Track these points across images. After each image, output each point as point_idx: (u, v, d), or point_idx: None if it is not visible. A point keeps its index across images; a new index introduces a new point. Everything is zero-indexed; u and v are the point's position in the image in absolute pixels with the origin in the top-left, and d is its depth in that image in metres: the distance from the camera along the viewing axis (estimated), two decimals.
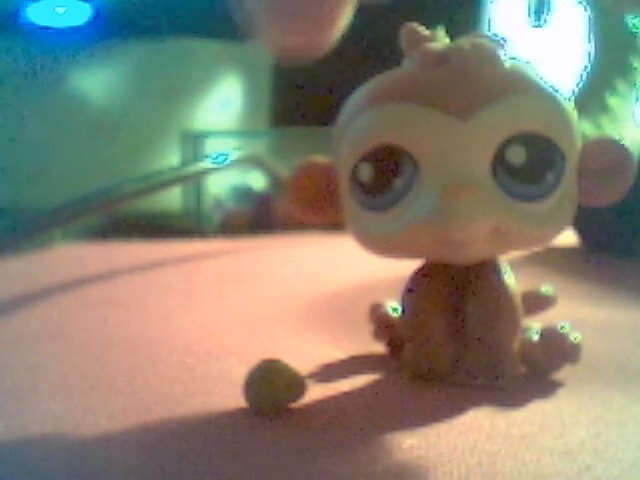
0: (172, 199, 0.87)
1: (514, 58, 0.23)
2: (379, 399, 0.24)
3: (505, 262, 0.25)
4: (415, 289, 0.25)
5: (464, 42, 0.23)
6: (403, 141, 0.22)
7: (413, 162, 0.22)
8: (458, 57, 0.22)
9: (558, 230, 0.23)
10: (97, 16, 1.07)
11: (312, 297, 0.43)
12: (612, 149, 0.23)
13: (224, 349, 0.30)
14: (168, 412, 0.23)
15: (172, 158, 0.96)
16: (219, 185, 0.83)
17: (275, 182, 0.76)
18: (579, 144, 0.23)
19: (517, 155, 0.22)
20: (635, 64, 0.61)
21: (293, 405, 0.23)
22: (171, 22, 1.05)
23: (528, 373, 0.25)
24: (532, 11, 0.64)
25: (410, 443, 0.20)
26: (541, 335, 0.25)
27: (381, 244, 0.24)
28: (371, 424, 0.21)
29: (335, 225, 0.25)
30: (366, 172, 0.23)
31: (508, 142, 0.22)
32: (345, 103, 0.24)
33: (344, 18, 0.20)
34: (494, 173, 0.22)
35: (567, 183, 0.23)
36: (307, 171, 0.25)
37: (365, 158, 0.23)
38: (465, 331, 0.24)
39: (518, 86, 0.22)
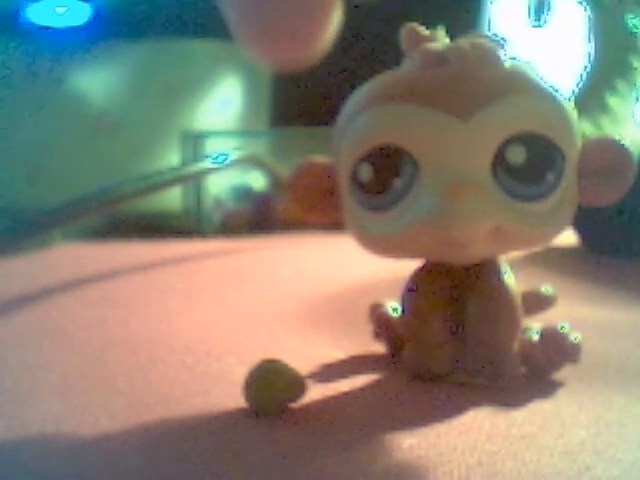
0: (172, 199, 0.87)
1: (514, 58, 0.23)
2: (379, 399, 0.24)
3: (505, 262, 0.25)
4: (415, 289, 0.25)
5: (464, 42, 0.23)
6: (403, 141, 0.22)
7: (413, 162, 0.22)
8: (458, 57, 0.22)
9: (558, 230, 0.23)
10: (97, 16, 1.07)
11: (312, 297, 0.43)
12: (612, 149, 0.23)
13: (224, 349, 0.30)
14: (168, 412, 0.23)
15: (172, 158, 0.96)
16: (219, 185, 0.83)
17: (275, 182, 0.76)
18: (579, 144, 0.23)
19: (517, 155, 0.22)
20: (635, 64, 0.61)
21: (293, 405, 0.23)
22: (171, 22, 1.05)
23: (528, 373, 0.25)
24: (532, 11, 0.64)
25: (410, 443, 0.20)
26: (541, 335, 0.25)
27: (381, 244, 0.24)
28: (371, 424, 0.21)
29: (335, 225, 0.25)
30: (366, 172, 0.23)
31: (508, 142, 0.22)
32: (345, 103, 0.24)
33: (329, 27, 0.19)
34: (494, 173, 0.22)
35: (567, 183, 0.23)
36: (307, 171, 0.25)
37: (365, 158, 0.23)
38: (465, 331, 0.24)
39: (518, 86, 0.22)
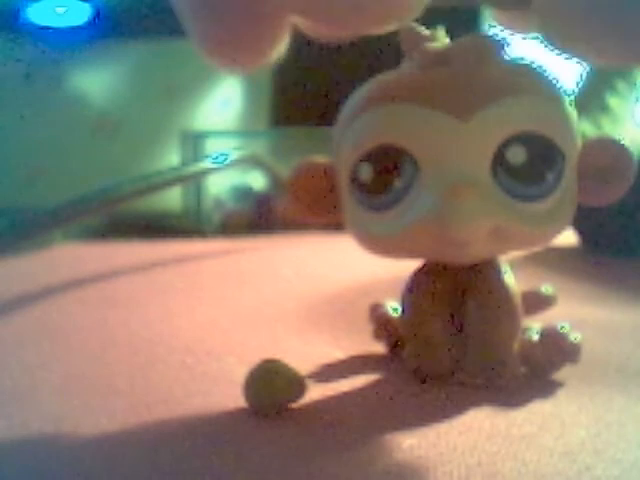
0: (172, 199, 0.87)
1: (516, 58, 0.23)
2: (379, 399, 0.24)
3: (505, 262, 0.25)
4: (415, 289, 0.25)
5: (464, 42, 0.23)
6: (403, 141, 0.22)
7: (413, 162, 0.22)
8: (458, 57, 0.22)
9: (558, 230, 0.23)
10: (97, 16, 1.07)
11: (312, 297, 0.43)
12: (612, 149, 0.23)
13: (224, 349, 0.30)
14: (168, 412, 0.23)
15: (172, 158, 0.96)
16: (219, 185, 0.83)
17: (275, 182, 0.76)
18: (579, 144, 0.23)
19: (517, 155, 0.22)
20: None
21: (293, 405, 0.23)
22: (171, 22, 1.04)
23: (528, 373, 0.25)
24: None
25: (410, 443, 0.20)
26: (541, 335, 0.25)
27: (381, 244, 0.24)
28: (371, 424, 0.21)
29: (335, 225, 0.25)
30: (366, 172, 0.23)
31: (508, 142, 0.22)
32: (345, 103, 0.24)
33: (275, 39, 0.19)
34: (494, 173, 0.22)
35: (567, 183, 0.23)
36: (307, 171, 0.24)
37: (365, 158, 0.23)
38: (465, 331, 0.24)
39: (518, 86, 0.22)
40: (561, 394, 0.24)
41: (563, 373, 0.25)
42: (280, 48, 0.20)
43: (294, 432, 0.21)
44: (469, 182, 0.21)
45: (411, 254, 0.24)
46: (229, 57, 0.20)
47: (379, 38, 0.21)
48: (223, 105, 1.08)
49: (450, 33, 0.24)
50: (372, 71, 0.24)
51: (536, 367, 0.25)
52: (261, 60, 0.20)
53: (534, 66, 0.23)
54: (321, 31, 0.20)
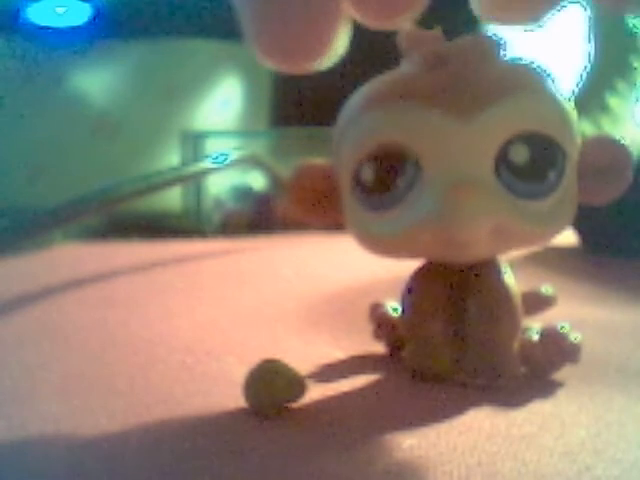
0: (172, 199, 0.87)
1: (519, 58, 0.23)
2: (379, 399, 0.24)
3: (505, 262, 0.25)
4: (415, 289, 0.25)
5: (464, 42, 0.23)
6: (405, 140, 0.22)
7: (415, 162, 0.22)
8: (458, 57, 0.22)
9: (559, 228, 0.23)
10: (97, 16, 1.08)
11: (312, 297, 0.43)
12: (611, 147, 0.23)
13: (224, 349, 0.30)
14: (168, 412, 0.23)
15: (172, 158, 0.96)
16: (219, 185, 0.83)
17: (275, 182, 0.76)
18: (579, 143, 0.23)
19: (520, 154, 0.22)
20: (635, 64, 0.61)
21: (293, 405, 0.23)
22: (171, 22, 1.05)
23: (528, 373, 0.25)
24: None
25: (410, 443, 0.20)
26: (541, 335, 0.25)
27: (382, 244, 0.24)
28: (371, 424, 0.21)
29: (335, 225, 0.25)
30: (368, 172, 0.23)
31: (510, 142, 0.22)
32: (345, 104, 0.24)
33: (334, 40, 0.19)
34: (497, 172, 0.22)
35: (568, 182, 0.23)
36: (307, 173, 0.24)
37: (367, 158, 0.23)
38: (465, 331, 0.24)
39: (518, 86, 0.22)
40: (561, 394, 0.24)
41: (563, 373, 0.25)
42: (340, 45, 0.19)
43: (294, 432, 0.21)
44: (471, 181, 0.21)
45: (412, 254, 0.24)
46: (285, 55, 0.19)
47: (379, 38, 0.21)
48: (223, 105, 1.08)
49: (450, 33, 0.24)
50: (372, 71, 0.24)
51: (536, 367, 0.25)
52: (318, 56, 0.19)
53: (534, 65, 0.23)
54: (376, 20, 0.20)
